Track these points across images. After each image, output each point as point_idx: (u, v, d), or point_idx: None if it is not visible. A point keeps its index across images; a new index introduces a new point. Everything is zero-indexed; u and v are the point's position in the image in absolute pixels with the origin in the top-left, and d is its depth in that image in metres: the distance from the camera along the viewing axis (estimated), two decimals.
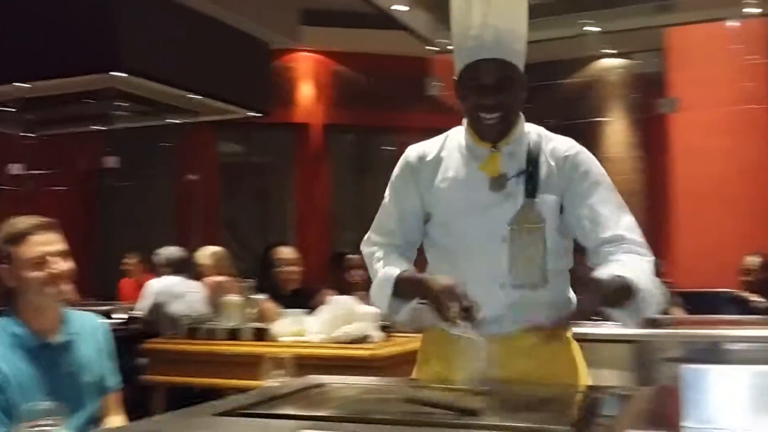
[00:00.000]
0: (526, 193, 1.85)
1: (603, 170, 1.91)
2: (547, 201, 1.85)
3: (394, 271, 1.90)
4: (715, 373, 1.15)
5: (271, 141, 9.56)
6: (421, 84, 5.70)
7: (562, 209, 1.89)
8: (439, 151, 1.97)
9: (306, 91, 9.29)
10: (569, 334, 1.95)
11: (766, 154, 6.70)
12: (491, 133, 1.88)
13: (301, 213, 9.32)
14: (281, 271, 4.29)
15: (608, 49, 8.62)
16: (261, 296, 3.94)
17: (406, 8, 6.26)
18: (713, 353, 3.39)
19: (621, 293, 1.69)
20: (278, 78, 8.79)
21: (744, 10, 5.64)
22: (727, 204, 6.45)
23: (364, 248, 2.04)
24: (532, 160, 1.88)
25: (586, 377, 1.92)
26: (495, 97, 1.83)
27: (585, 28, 5.41)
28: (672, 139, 7.02)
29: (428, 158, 1.96)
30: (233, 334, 3.34)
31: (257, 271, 4.43)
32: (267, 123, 8.19)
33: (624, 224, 1.84)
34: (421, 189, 1.96)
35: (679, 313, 4.72)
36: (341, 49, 9.11)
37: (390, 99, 9.16)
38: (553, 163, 1.88)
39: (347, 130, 9.67)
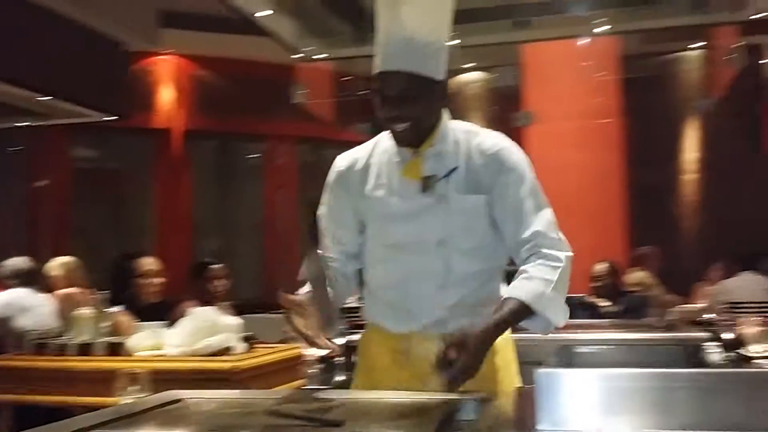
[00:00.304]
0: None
1: (527, 166, 1.94)
2: (475, 202, 1.86)
3: None
4: (567, 376, 1.20)
5: (129, 146, 9.20)
6: (287, 91, 5.66)
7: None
8: (369, 158, 1.96)
9: (167, 96, 9.02)
10: (508, 334, 1.98)
11: (614, 166, 7.11)
12: (403, 141, 1.88)
13: (160, 221, 9.02)
14: (141, 283, 4.14)
15: (468, 63, 8.90)
16: (115, 308, 3.78)
17: (270, 14, 6.21)
18: (566, 356, 3.55)
19: (515, 314, 1.77)
20: (137, 81, 8.49)
21: (594, 29, 5.98)
22: (579, 214, 6.78)
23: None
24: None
25: (517, 376, 1.98)
26: (399, 108, 1.82)
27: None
28: (527, 151, 7.29)
29: (357, 166, 1.95)
30: (85, 349, 3.18)
31: (112, 282, 4.24)
32: (125, 127, 7.89)
33: (542, 223, 1.87)
34: (353, 198, 1.94)
35: None
36: (204, 54, 8.90)
37: (255, 106, 9.04)
38: (480, 161, 1.88)
39: (210, 136, 9.46)
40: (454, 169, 1.87)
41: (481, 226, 1.88)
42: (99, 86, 6.39)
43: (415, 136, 1.87)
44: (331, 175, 1.99)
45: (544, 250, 1.83)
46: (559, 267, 1.82)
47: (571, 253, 1.87)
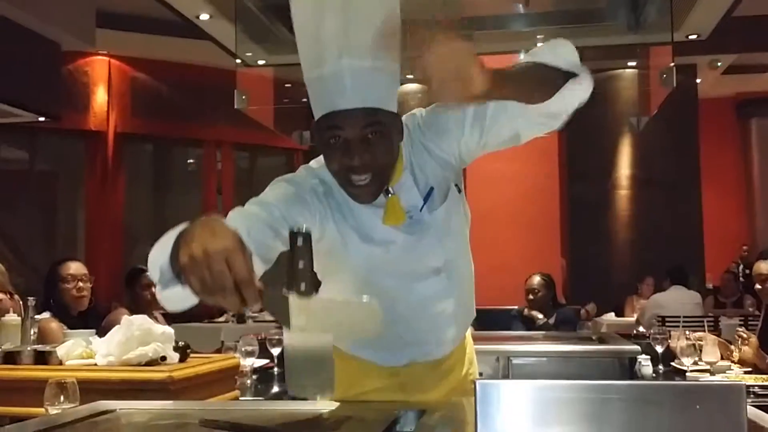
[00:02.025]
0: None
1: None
2: (448, 214, 1.67)
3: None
4: (504, 387, 1.21)
5: (60, 148, 8.96)
6: (227, 96, 5.60)
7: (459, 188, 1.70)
8: (331, 192, 1.62)
9: (101, 98, 8.80)
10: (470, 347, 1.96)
11: (550, 180, 7.24)
12: (365, 196, 1.58)
13: (91, 226, 8.79)
14: (70, 289, 4.02)
15: (408, 74, 8.96)
16: (43, 315, 3.66)
17: (211, 18, 6.15)
18: (504, 367, 3.60)
19: (520, 71, 1.48)
20: (71, 82, 8.28)
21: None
22: (514, 227, 6.88)
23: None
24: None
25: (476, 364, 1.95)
26: (362, 155, 1.52)
27: None
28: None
29: (328, 196, 1.62)
30: (11, 358, 3.06)
31: (41, 289, 4.11)
32: (57, 129, 7.69)
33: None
34: (326, 225, 1.60)
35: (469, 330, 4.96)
36: (142, 56, 8.75)
37: (193, 110, 8.92)
38: (427, 146, 1.65)
39: (146, 140, 9.29)
40: (431, 191, 1.64)
41: (461, 221, 1.73)
42: (30, 86, 6.20)
43: (378, 188, 1.58)
44: (304, 177, 1.64)
45: None
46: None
47: None
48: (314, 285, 1.23)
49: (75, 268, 4.11)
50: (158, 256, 1.34)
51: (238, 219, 1.45)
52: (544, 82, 1.47)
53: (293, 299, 1.22)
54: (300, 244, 1.21)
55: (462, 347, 1.91)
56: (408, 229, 1.62)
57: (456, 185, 1.69)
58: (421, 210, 1.63)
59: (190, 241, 1.17)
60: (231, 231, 1.19)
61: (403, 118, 1.68)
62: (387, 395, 1.77)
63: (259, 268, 1.32)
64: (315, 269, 1.28)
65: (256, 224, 1.45)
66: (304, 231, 1.22)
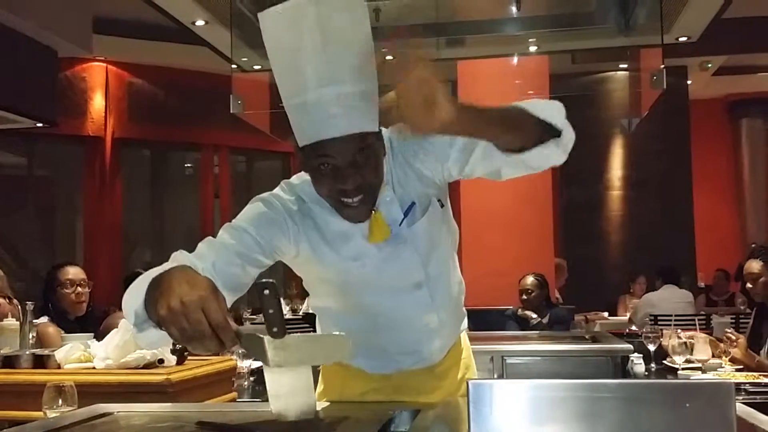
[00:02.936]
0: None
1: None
2: (430, 226, 1.68)
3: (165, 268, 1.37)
4: (498, 386, 1.23)
5: (58, 154, 8.96)
6: (224, 101, 5.62)
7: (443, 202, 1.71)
8: (308, 210, 1.63)
9: (99, 103, 8.80)
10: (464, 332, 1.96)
11: (543, 182, 7.26)
12: (359, 215, 1.58)
13: (89, 231, 8.79)
14: (68, 293, 4.04)
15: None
16: (41, 320, 3.68)
17: (206, 24, 6.18)
18: (498, 367, 3.63)
19: (503, 111, 1.48)
20: (68, 88, 8.29)
21: (524, 49, 6.12)
22: (510, 229, 6.89)
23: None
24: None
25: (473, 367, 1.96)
26: (353, 178, 1.51)
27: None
28: None
29: (304, 215, 1.63)
30: (9, 362, 3.08)
31: (40, 293, 4.13)
32: (55, 134, 7.69)
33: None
34: (300, 244, 1.62)
35: (465, 334, 4.98)
36: (138, 61, 8.76)
37: (190, 115, 8.93)
38: (410, 164, 1.65)
39: (143, 145, 9.30)
40: (411, 206, 1.65)
41: (444, 236, 1.74)
42: (28, 92, 6.21)
43: (370, 207, 1.59)
44: (275, 201, 1.64)
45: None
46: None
47: None
48: (285, 328, 1.30)
49: (74, 272, 4.12)
50: (132, 301, 1.39)
51: (205, 251, 1.53)
52: (523, 127, 1.49)
53: (268, 340, 1.29)
54: (266, 293, 1.27)
55: (456, 352, 1.92)
56: (384, 243, 1.63)
57: (439, 200, 1.70)
58: (400, 224, 1.63)
59: (168, 294, 1.24)
60: (204, 279, 1.28)
61: (388, 131, 1.67)
62: (381, 397, 1.79)
63: (229, 298, 1.38)
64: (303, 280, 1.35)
65: (223, 255, 1.52)
66: (268, 281, 1.29)
